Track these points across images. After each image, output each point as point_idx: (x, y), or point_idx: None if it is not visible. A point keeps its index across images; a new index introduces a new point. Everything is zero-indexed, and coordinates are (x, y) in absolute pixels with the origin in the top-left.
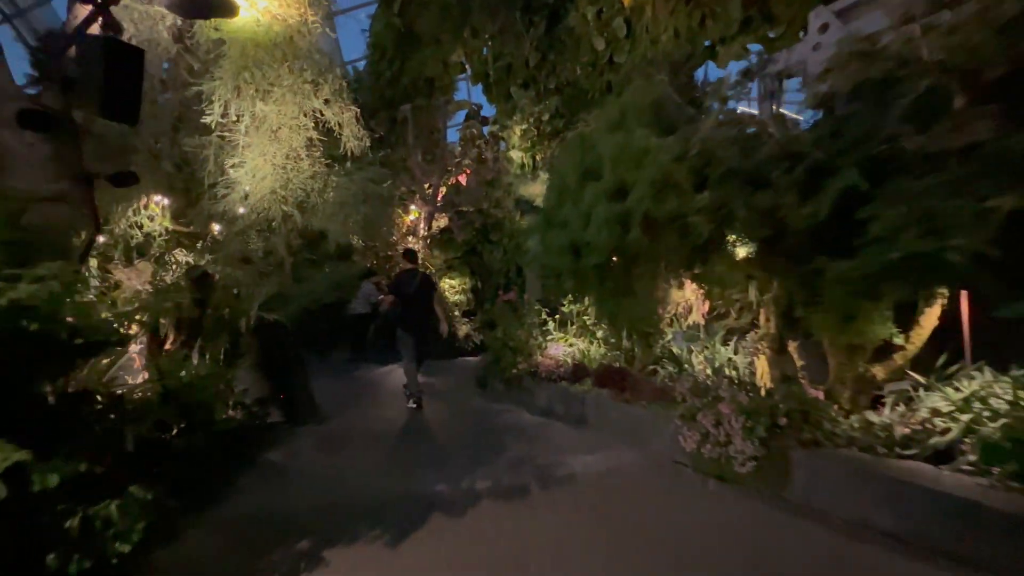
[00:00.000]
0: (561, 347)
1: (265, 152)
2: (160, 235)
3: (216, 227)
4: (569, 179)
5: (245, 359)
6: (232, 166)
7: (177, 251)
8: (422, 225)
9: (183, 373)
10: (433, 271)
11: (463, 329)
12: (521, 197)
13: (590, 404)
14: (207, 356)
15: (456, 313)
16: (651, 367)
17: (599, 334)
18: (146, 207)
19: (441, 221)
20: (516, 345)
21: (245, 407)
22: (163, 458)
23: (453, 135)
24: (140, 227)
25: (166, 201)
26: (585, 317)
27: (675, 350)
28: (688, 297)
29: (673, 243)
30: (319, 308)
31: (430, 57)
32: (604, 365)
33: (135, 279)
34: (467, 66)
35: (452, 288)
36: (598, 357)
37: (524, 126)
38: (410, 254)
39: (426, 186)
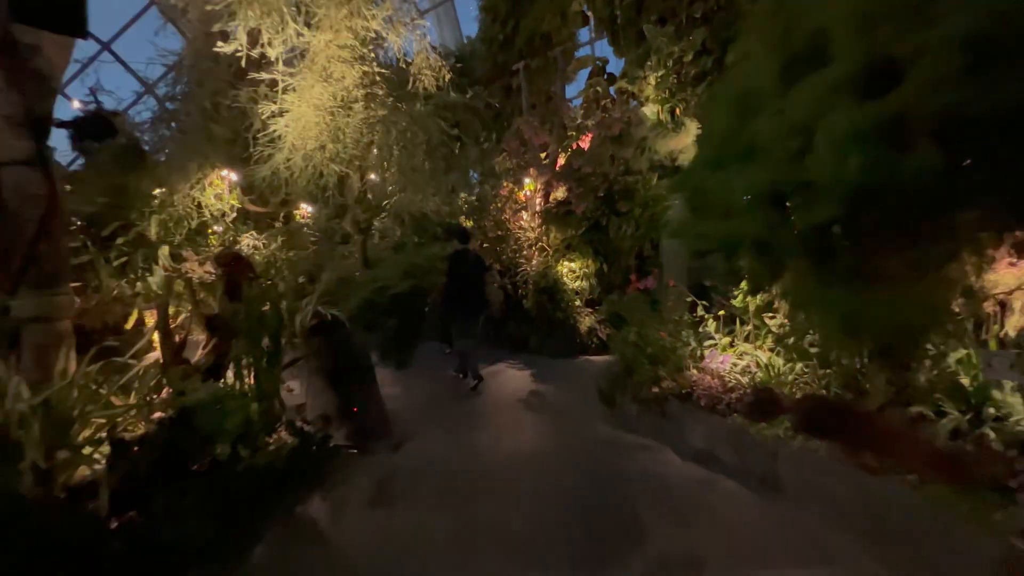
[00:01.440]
0: (727, 358)
1: (308, 95)
2: (225, 215)
3: (308, 208)
4: (760, 74)
5: (300, 367)
6: (268, 117)
7: (248, 235)
8: (538, 199)
9: (200, 393)
10: (550, 253)
11: (586, 322)
12: (657, 158)
13: (787, 459)
14: (243, 366)
15: (577, 303)
16: (913, 408)
17: (792, 340)
18: (211, 183)
19: (560, 193)
20: (657, 352)
21: (297, 429)
22: (142, 517)
23: (578, 104)
24: (200, 206)
25: (233, 176)
26: (769, 315)
27: (966, 381)
28: (1012, 284)
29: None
30: (398, 297)
31: (547, 9)
32: (813, 396)
33: (201, 268)
34: (588, 14)
35: (572, 273)
36: (794, 378)
37: (660, 72)
38: (461, 234)
39: (543, 155)
